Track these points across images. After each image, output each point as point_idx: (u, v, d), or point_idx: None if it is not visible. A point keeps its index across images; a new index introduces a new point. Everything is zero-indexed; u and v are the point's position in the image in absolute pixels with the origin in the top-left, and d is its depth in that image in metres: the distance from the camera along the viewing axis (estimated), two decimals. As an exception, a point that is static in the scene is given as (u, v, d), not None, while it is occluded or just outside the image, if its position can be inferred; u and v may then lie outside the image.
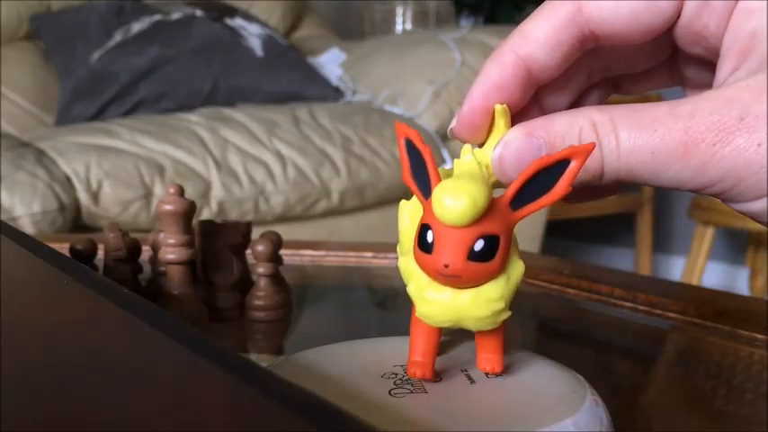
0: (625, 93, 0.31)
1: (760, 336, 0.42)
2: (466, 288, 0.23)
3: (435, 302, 0.24)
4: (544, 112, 0.28)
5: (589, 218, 1.92)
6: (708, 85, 0.28)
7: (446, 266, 0.22)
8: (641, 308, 0.47)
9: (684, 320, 0.45)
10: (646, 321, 0.46)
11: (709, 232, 1.63)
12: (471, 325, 0.24)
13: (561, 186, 0.22)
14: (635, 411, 0.34)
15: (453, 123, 0.27)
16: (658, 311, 0.46)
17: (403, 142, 0.24)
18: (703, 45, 0.26)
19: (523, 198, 0.23)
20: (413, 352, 0.25)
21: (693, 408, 0.35)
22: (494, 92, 0.26)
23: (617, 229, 2.12)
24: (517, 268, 0.24)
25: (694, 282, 1.63)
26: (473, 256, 0.22)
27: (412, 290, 0.24)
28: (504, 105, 0.26)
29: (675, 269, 2.00)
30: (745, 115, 0.22)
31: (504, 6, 2.12)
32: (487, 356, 0.25)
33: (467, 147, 0.26)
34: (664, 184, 0.23)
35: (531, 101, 0.27)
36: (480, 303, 0.23)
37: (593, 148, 0.22)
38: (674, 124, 0.23)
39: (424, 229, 0.23)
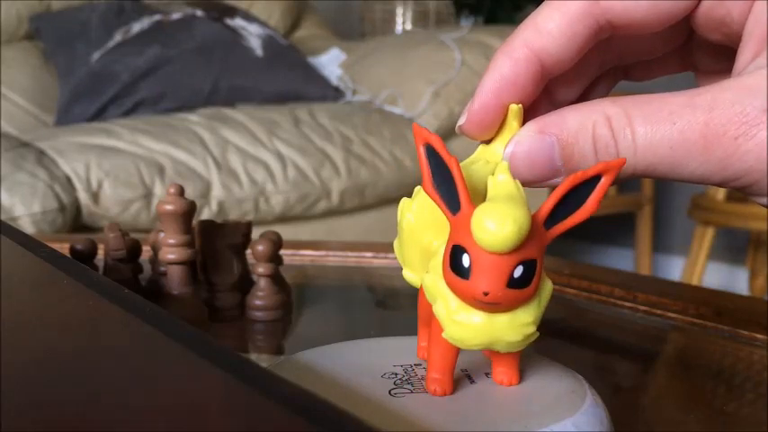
0: (635, 79, 0.30)
1: (760, 336, 0.42)
2: (501, 312, 0.22)
3: (468, 326, 0.23)
4: (555, 104, 0.27)
5: (589, 218, 1.92)
6: (721, 71, 0.27)
7: (485, 294, 0.21)
8: (641, 308, 0.47)
9: (684, 320, 0.45)
10: (646, 321, 0.46)
11: (709, 232, 1.63)
12: (502, 348, 0.23)
13: (592, 203, 0.22)
14: (635, 411, 0.34)
15: (462, 120, 0.26)
16: (658, 311, 0.46)
17: (422, 149, 0.23)
18: (724, 31, 0.25)
19: (556, 216, 0.22)
20: (431, 368, 0.25)
21: (693, 408, 0.35)
22: (506, 88, 0.25)
23: (617, 229, 2.12)
24: (547, 288, 0.23)
25: (694, 282, 1.63)
26: (513, 283, 0.21)
27: (440, 311, 0.23)
28: (520, 105, 0.25)
29: (675, 269, 2.00)
30: None
31: (504, 6, 2.12)
32: (503, 370, 0.25)
33: (503, 164, 0.24)
34: (683, 178, 0.23)
35: (542, 93, 0.26)
36: (514, 328, 0.22)
37: (624, 164, 0.22)
38: (694, 116, 0.22)
39: (457, 251, 0.22)
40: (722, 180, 0.22)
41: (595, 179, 0.22)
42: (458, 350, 0.24)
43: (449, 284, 0.23)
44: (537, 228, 0.22)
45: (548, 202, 0.22)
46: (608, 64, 0.29)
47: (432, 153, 0.23)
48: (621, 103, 0.23)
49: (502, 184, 0.23)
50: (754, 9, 0.23)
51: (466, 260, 0.22)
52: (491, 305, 0.22)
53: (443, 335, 0.23)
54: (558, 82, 0.27)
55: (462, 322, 0.23)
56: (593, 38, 0.25)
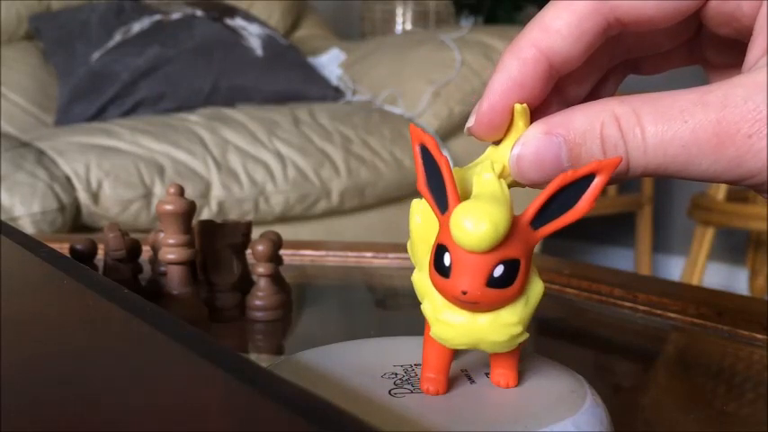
0: (644, 74, 0.30)
1: (760, 336, 0.42)
2: (483, 312, 0.22)
3: (451, 325, 0.23)
4: (565, 101, 0.27)
5: (589, 218, 1.92)
6: (730, 65, 0.27)
7: (464, 293, 0.21)
8: (641, 308, 0.47)
9: (684, 320, 0.45)
10: (646, 321, 0.46)
11: (710, 232, 1.63)
12: (487, 348, 0.23)
13: (585, 203, 0.21)
14: (635, 411, 0.34)
15: (471, 122, 0.26)
16: (658, 311, 0.46)
17: (418, 149, 0.23)
18: (734, 26, 0.24)
19: (545, 216, 0.22)
20: (426, 368, 0.25)
21: (693, 408, 0.35)
22: (514, 89, 0.25)
23: (617, 229, 2.12)
24: (536, 289, 0.23)
25: (694, 282, 1.62)
26: (492, 282, 0.21)
27: (427, 309, 0.23)
28: (524, 105, 0.25)
29: (675, 269, 2.00)
30: None
31: (504, 6, 2.12)
32: (502, 372, 0.25)
33: (487, 163, 0.24)
34: (694, 177, 0.22)
35: (552, 91, 0.26)
36: (498, 328, 0.22)
37: (620, 162, 0.21)
38: (705, 114, 0.21)
39: (440, 250, 0.22)
40: (735, 178, 0.22)
41: (589, 178, 0.21)
42: (451, 350, 0.24)
43: (433, 283, 0.23)
44: (521, 227, 0.22)
45: (534, 202, 0.22)
46: (617, 59, 0.28)
47: (426, 153, 0.23)
48: (630, 101, 0.23)
49: (486, 183, 0.23)
50: (765, 3, 0.23)
51: (447, 259, 0.22)
52: (471, 304, 0.22)
53: (430, 333, 0.24)
54: (568, 80, 0.27)
55: (446, 321, 0.23)
56: (601, 35, 0.25)
